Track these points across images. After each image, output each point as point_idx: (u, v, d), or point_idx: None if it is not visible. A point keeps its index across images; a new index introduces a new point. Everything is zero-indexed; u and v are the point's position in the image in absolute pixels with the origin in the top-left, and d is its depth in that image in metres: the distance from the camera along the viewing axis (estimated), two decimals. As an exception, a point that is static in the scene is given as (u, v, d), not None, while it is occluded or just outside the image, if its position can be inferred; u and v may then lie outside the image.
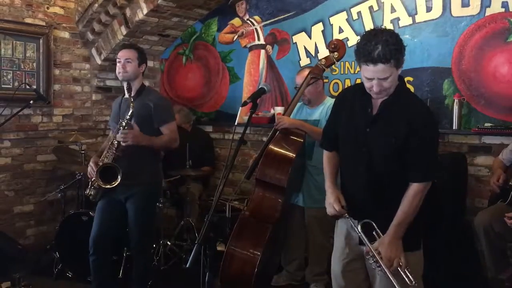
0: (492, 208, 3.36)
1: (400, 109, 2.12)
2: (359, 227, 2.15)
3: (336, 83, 4.43)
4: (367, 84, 2.11)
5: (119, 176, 3.07)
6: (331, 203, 2.29)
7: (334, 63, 3.39)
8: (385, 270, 2.09)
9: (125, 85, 3.30)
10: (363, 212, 2.20)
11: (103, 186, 3.11)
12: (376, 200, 2.21)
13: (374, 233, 2.16)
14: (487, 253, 3.29)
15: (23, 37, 4.61)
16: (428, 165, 2.13)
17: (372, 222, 2.15)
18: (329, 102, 3.61)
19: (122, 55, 3.26)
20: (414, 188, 2.12)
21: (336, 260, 2.42)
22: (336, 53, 3.33)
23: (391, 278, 2.06)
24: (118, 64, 3.27)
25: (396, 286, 2.04)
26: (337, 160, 2.42)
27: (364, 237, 2.15)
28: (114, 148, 3.12)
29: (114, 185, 3.08)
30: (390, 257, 2.10)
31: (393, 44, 1.99)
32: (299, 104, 3.63)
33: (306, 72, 3.55)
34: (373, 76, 2.04)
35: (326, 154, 2.48)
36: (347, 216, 2.24)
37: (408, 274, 2.09)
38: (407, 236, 2.15)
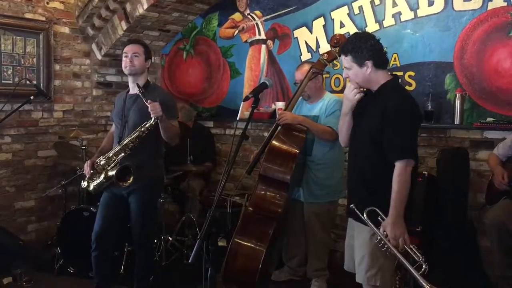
0: (503, 206, 3.32)
1: (379, 100, 2.45)
2: (365, 215, 2.38)
3: (337, 78, 4.42)
4: None
5: (132, 177, 3.14)
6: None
7: (336, 57, 3.38)
8: (393, 250, 2.29)
9: (130, 82, 3.30)
10: (356, 197, 2.52)
11: (120, 184, 3.15)
12: (357, 184, 2.52)
13: (379, 218, 2.37)
14: (497, 250, 3.28)
15: (23, 33, 4.59)
16: (402, 145, 2.36)
17: (376, 209, 2.37)
18: (329, 97, 3.59)
19: (130, 49, 3.26)
20: (396, 168, 2.35)
21: (347, 235, 2.73)
22: (338, 48, 3.31)
23: (400, 257, 2.27)
24: (124, 58, 3.26)
25: (406, 264, 2.24)
26: None
27: (369, 222, 2.37)
28: (128, 148, 3.15)
29: (128, 184, 3.15)
30: (396, 236, 2.31)
31: (352, 42, 2.46)
32: (299, 99, 3.62)
33: (306, 67, 3.54)
34: (343, 65, 2.57)
35: None
36: (353, 206, 2.49)
37: (415, 251, 2.29)
38: None
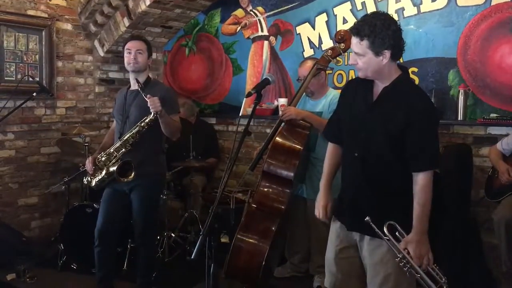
0: (511, 202, 3.30)
1: (399, 97, 2.13)
2: (385, 230, 2.08)
3: (340, 74, 4.41)
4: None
5: (133, 172, 3.13)
6: (318, 208, 2.41)
7: (340, 54, 3.37)
8: (417, 269, 2.05)
9: (131, 78, 3.30)
10: (369, 210, 2.16)
11: (121, 180, 3.15)
12: (367, 190, 2.20)
13: (397, 233, 2.10)
14: (505, 247, 3.26)
15: (26, 29, 4.59)
16: (431, 154, 2.11)
17: (395, 224, 2.09)
18: (332, 94, 3.59)
19: (133, 46, 3.25)
20: (420, 179, 2.09)
21: (329, 247, 2.41)
22: (342, 44, 3.31)
23: (424, 277, 2.04)
24: (128, 55, 3.25)
25: (430, 284, 2.03)
26: (337, 156, 2.42)
27: (392, 239, 2.09)
28: (128, 144, 3.15)
29: (129, 179, 3.15)
30: (421, 255, 2.06)
31: (371, 24, 2.05)
32: (302, 96, 3.61)
33: (309, 63, 3.53)
34: (352, 49, 2.16)
35: (329, 148, 2.48)
36: (368, 219, 2.15)
37: (438, 271, 2.08)
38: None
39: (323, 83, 3.63)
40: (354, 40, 2.11)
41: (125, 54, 3.27)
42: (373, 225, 2.10)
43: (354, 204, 2.25)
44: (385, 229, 2.07)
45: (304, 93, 3.55)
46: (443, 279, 2.06)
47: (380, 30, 2.04)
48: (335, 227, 2.39)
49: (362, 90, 2.25)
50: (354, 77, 4.02)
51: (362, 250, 2.26)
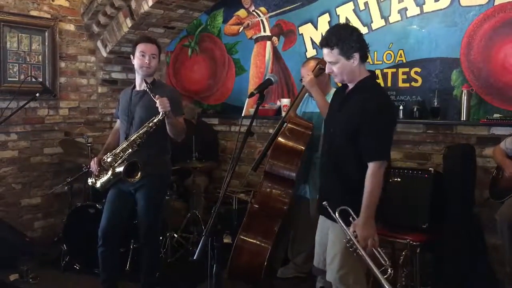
0: None
1: (359, 97, 2.39)
2: (337, 214, 2.32)
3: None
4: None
5: (140, 173, 3.15)
6: None
7: None
8: (361, 251, 2.24)
9: (138, 78, 3.30)
10: (330, 194, 2.47)
11: (129, 180, 3.17)
12: (330, 182, 2.51)
13: (350, 218, 2.33)
14: (508, 247, 3.24)
15: (29, 30, 4.61)
16: (378, 147, 2.34)
17: (348, 209, 2.32)
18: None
19: (148, 50, 3.22)
20: (370, 167, 2.33)
21: (317, 232, 2.68)
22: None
23: (366, 259, 2.22)
24: (141, 57, 3.22)
25: (372, 267, 2.18)
26: None
27: (340, 221, 2.32)
28: (135, 144, 3.16)
29: (136, 179, 3.16)
30: (365, 236, 2.27)
31: (336, 34, 2.36)
32: (305, 96, 3.61)
33: (312, 63, 3.53)
34: (325, 59, 2.44)
35: None
36: (325, 203, 2.41)
37: (382, 254, 2.26)
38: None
39: (326, 83, 3.63)
40: (325, 51, 2.39)
41: (138, 56, 3.23)
42: (329, 208, 2.35)
43: (321, 191, 2.60)
44: (336, 214, 2.32)
45: (307, 93, 3.54)
46: (387, 262, 2.23)
47: (345, 37, 2.34)
48: (320, 217, 2.67)
49: (341, 93, 2.56)
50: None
51: (329, 233, 2.54)
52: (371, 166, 2.32)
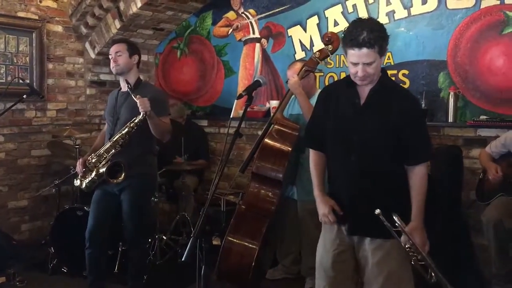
0: (499, 204, 3.33)
1: (388, 97, 2.22)
2: (396, 219, 2.12)
3: (332, 76, 4.42)
4: (352, 70, 2.19)
5: (123, 173, 3.13)
6: (325, 214, 2.33)
7: (328, 55, 3.40)
8: (424, 255, 2.11)
9: (121, 80, 3.30)
10: (358, 205, 2.24)
11: (111, 181, 3.16)
12: (369, 189, 2.24)
13: (396, 224, 2.14)
14: (493, 248, 3.28)
15: (16, 31, 4.57)
16: (429, 147, 2.29)
17: (397, 216, 2.14)
18: None
19: (113, 50, 3.30)
20: (419, 170, 2.22)
21: (325, 252, 2.41)
22: (330, 45, 3.34)
23: (431, 263, 2.10)
24: (111, 59, 3.30)
25: (438, 273, 2.08)
26: (324, 162, 2.45)
27: (402, 226, 2.13)
28: (118, 145, 3.15)
29: (119, 180, 3.15)
30: (424, 241, 2.18)
31: (377, 31, 2.11)
32: (291, 97, 3.62)
33: (298, 65, 3.55)
34: (358, 61, 2.13)
35: (312, 156, 2.49)
36: (377, 213, 2.16)
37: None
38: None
39: (312, 85, 3.65)
40: (365, 51, 2.09)
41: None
42: (382, 217, 2.11)
43: (354, 209, 2.26)
44: (395, 219, 2.11)
45: (293, 95, 3.56)
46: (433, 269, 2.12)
47: (384, 32, 2.13)
48: (330, 232, 2.39)
49: (346, 95, 2.29)
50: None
51: (361, 251, 2.30)
52: (420, 167, 2.21)
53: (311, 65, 3.43)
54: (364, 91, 2.25)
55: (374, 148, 2.22)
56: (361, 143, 2.22)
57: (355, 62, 2.14)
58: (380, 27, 2.14)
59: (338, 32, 4.18)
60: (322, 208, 2.35)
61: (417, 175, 2.22)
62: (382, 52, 2.14)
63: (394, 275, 2.21)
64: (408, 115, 2.19)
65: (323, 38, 3.44)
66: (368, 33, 2.07)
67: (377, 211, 2.11)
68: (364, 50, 2.09)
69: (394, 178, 2.24)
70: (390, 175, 2.24)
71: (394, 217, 2.13)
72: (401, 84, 3.96)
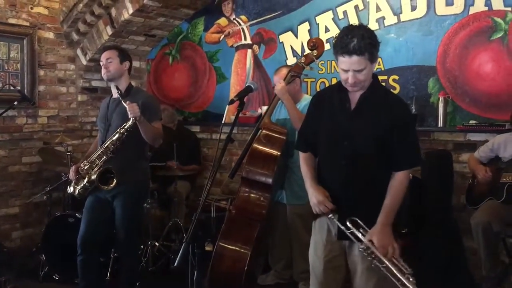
0: (488, 207, 3.38)
1: (379, 102, 2.24)
2: (348, 223, 2.16)
3: (323, 82, 4.45)
4: (343, 76, 2.20)
5: (115, 179, 3.13)
6: (321, 201, 2.26)
7: (313, 60, 3.43)
8: (382, 259, 2.10)
9: (112, 86, 3.31)
10: (344, 209, 2.24)
11: (102, 187, 3.15)
12: (356, 194, 2.24)
13: (361, 229, 2.17)
14: (483, 251, 3.32)
15: (7, 38, 4.56)
16: (415, 152, 2.27)
17: (357, 220, 2.17)
18: (307, 100, 3.61)
19: (103, 57, 3.31)
20: (400, 176, 2.22)
21: (316, 257, 2.41)
22: (315, 51, 3.39)
23: (390, 266, 2.09)
24: (101, 66, 3.31)
25: (396, 273, 2.06)
26: (313, 161, 2.46)
27: (356, 232, 2.16)
28: (109, 151, 3.15)
29: (111, 187, 3.14)
30: (384, 244, 2.12)
31: (368, 38, 2.11)
32: (278, 103, 3.64)
33: (284, 71, 3.58)
34: (349, 68, 2.14)
35: (302, 156, 2.50)
36: (332, 216, 2.24)
37: (402, 262, 2.13)
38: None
39: (299, 90, 3.67)
40: (356, 59, 2.09)
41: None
42: (337, 222, 2.20)
43: (344, 213, 2.24)
44: (348, 223, 2.16)
45: (280, 100, 3.58)
46: (409, 270, 2.09)
47: (374, 40, 2.13)
48: (321, 237, 2.39)
49: (338, 100, 2.31)
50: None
51: (351, 256, 2.30)
52: (402, 173, 2.21)
53: (297, 70, 3.46)
54: (355, 97, 2.27)
55: (363, 153, 2.22)
56: (350, 148, 2.24)
57: (346, 69, 2.15)
58: (371, 34, 2.14)
59: (329, 38, 4.23)
60: (316, 196, 2.28)
61: (396, 180, 2.21)
62: (373, 59, 2.14)
63: (384, 282, 2.17)
64: (396, 121, 2.19)
65: (308, 43, 3.48)
66: (358, 40, 2.08)
67: (348, 223, 2.16)
68: (355, 57, 2.10)
69: (383, 183, 2.23)
70: (378, 180, 2.23)
71: (347, 223, 2.16)
72: (391, 90, 4.04)
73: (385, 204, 2.19)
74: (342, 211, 2.25)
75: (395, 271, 2.07)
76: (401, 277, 2.05)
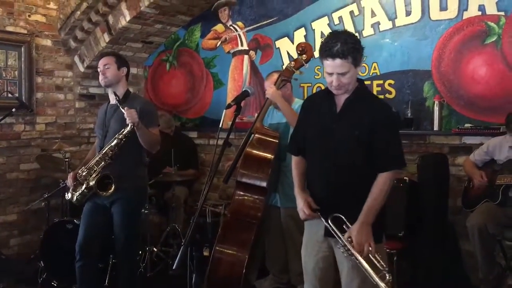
0: (483, 209, 3.40)
1: (362, 105, 2.31)
2: (329, 220, 2.25)
3: (319, 87, 4.47)
4: (328, 79, 2.29)
5: (113, 185, 3.14)
6: (301, 208, 2.38)
7: (303, 65, 3.48)
8: (356, 256, 2.17)
9: (110, 92, 3.32)
10: (328, 209, 2.30)
11: (100, 193, 3.16)
12: (340, 195, 2.31)
13: (344, 226, 2.25)
14: (480, 254, 3.33)
15: (5, 45, 4.58)
16: (398, 155, 2.32)
17: (342, 216, 2.25)
18: (298, 103, 3.64)
19: (101, 63, 3.32)
20: (383, 176, 2.27)
21: (307, 255, 2.48)
22: (304, 55, 3.44)
23: (363, 263, 2.15)
24: (99, 72, 3.33)
25: (369, 271, 2.13)
26: (304, 165, 2.52)
27: (334, 228, 2.23)
28: (108, 157, 3.16)
29: (109, 193, 3.15)
30: (361, 242, 2.19)
31: (351, 42, 2.20)
32: (269, 107, 3.68)
33: (274, 76, 3.62)
34: (333, 71, 2.23)
35: (294, 159, 2.57)
36: (319, 216, 2.32)
37: (379, 259, 2.18)
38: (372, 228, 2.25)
39: (290, 94, 3.70)
40: (339, 62, 2.19)
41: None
42: (322, 218, 2.27)
43: (329, 214, 2.30)
44: (329, 220, 2.24)
45: (271, 105, 3.61)
46: (385, 267, 2.14)
47: (357, 44, 2.22)
48: (311, 237, 2.46)
49: (326, 104, 2.40)
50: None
51: (338, 255, 2.36)
52: (386, 174, 2.27)
53: (287, 74, 3.50)
54: (341, 100, 2.35)
55: (348, 156, 2.29)
56: (335, 151, 2.31)
57: (330, 72, 2.24)
58: (354, 39, 2.23)
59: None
60: (298, 203, 2.41)
61: (379, 182, 2.27)
62: (356, 63, 2.23)
63: (369, 280, 2.20)
64: (378, 122, 2.25)
65: (296, 48, 3.53)
66: (342, 44, 2.17)
67: (329, 220, 2.24)
68: (338, 60, 2.19)
69: (367, 185, 2.28)
70: (363, 181, 2.28)
71: (329, 220, 2.25)
72: (387, 94, 4.08)
73: (366, 204, 2.25)
74: (327, 212, 2.30)
75: (368, 269, 2.13)
76: (373, 275, 2.11)
